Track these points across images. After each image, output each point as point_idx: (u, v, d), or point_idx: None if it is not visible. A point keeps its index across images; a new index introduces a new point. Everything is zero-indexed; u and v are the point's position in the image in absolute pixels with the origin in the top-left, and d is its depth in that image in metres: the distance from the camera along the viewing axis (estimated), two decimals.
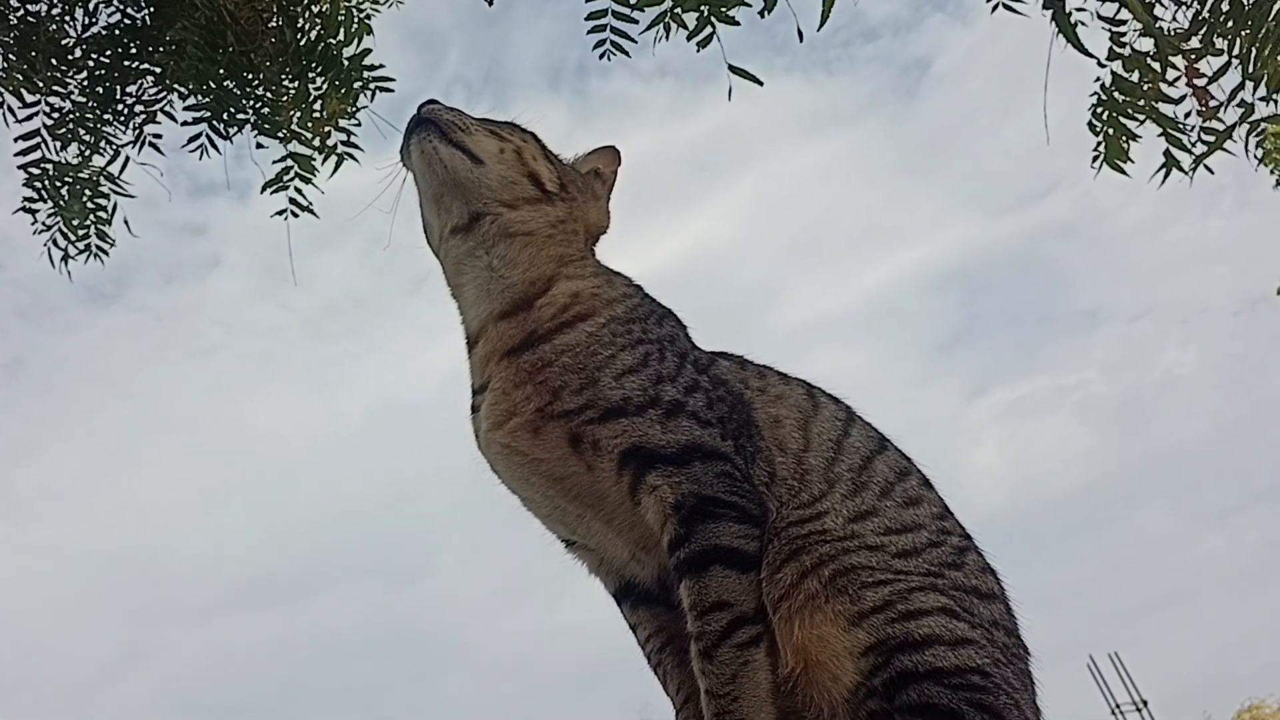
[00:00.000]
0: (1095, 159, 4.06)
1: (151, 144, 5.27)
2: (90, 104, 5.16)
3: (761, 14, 4.01)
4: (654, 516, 1.68)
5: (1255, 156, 3.92)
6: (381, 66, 5.14)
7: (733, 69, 3.87)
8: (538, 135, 2.10)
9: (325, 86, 5.15)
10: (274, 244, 5.34)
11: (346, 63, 5.12)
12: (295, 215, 5.32)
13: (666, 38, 4.01)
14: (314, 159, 5.29)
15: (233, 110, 5.12)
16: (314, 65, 5.13)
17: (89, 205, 5.49)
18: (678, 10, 3.98)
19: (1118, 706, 21.48)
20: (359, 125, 5.28)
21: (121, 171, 5.36)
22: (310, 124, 5.19)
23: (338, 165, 5.26)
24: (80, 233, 5.52)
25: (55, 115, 5.16)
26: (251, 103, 5.17)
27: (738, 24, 3.91)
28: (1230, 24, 3.46)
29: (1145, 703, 21.35)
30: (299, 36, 5.10)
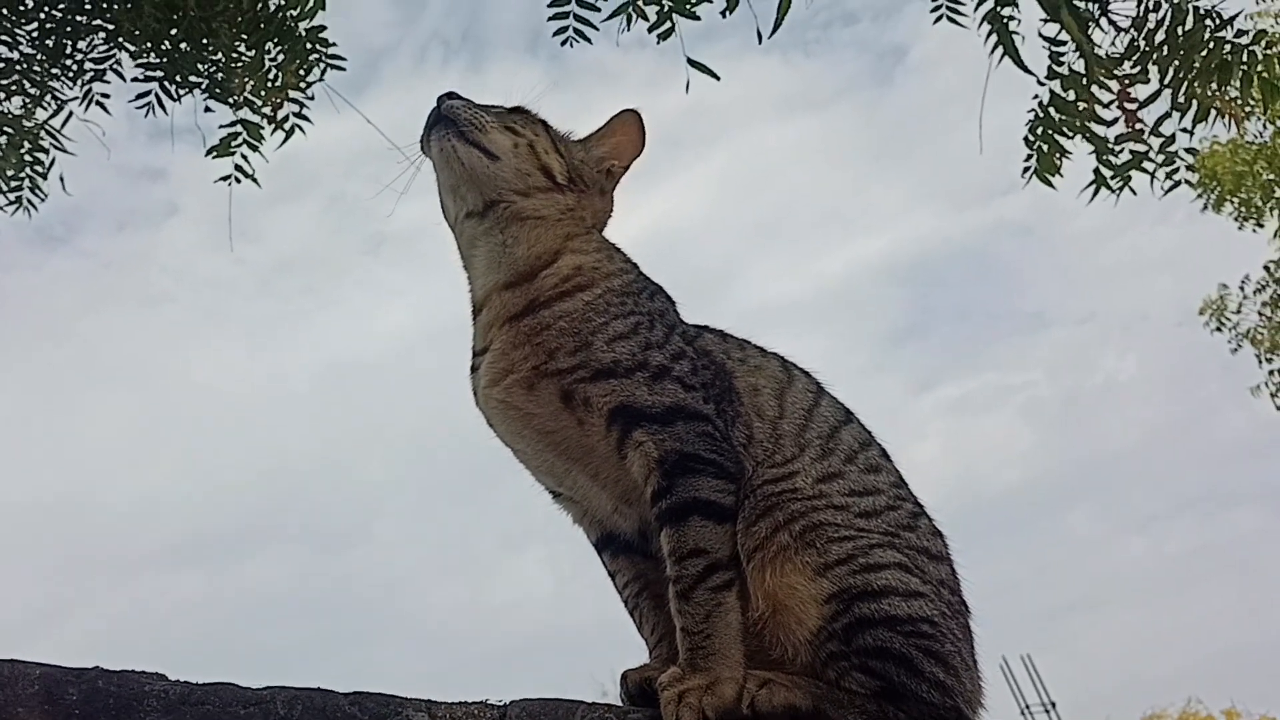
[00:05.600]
0: (1025, 170, 4.28)
1: (99, 103, 5.22)
2: (39, 56, 5.08)
3: (723, 14, 4.15)
4: (639, 470, 1.83)
5: (1163, 188, 4.12)
6: (334, 45, 5.16)
7: (691, 63, 3.99)
8: (546, 123, 2.21)
9: (281, 57, 5.15)
10: (234, 196, 5.34)
11: (304, 34, 5.12)
12: (238, 181, 5.34)
13: (628, 27, 4.13)
14: (263, 128, 5.30)
15: (185, 73, 5.11)
16: (271, 35, 5.12)
17: (26, 158, 5.42)
18: (639, 2, 4.11)
19: (1027, 707, 22.06)
20: (312, 99, 5.30)
21: (64, 125, 5.30)
22: (264, 93, 5.19)
23: (287, 136, 5.27)
24: (14, 184, 5.45)
25: (2, 64, 5.08)
26: (205, 66, 5.15)
27: (698, 19, 4.05)
28: (1165, 52, 3.69)
29: (1054, 704, 21.98)
30: (257, 4, 5.09)
